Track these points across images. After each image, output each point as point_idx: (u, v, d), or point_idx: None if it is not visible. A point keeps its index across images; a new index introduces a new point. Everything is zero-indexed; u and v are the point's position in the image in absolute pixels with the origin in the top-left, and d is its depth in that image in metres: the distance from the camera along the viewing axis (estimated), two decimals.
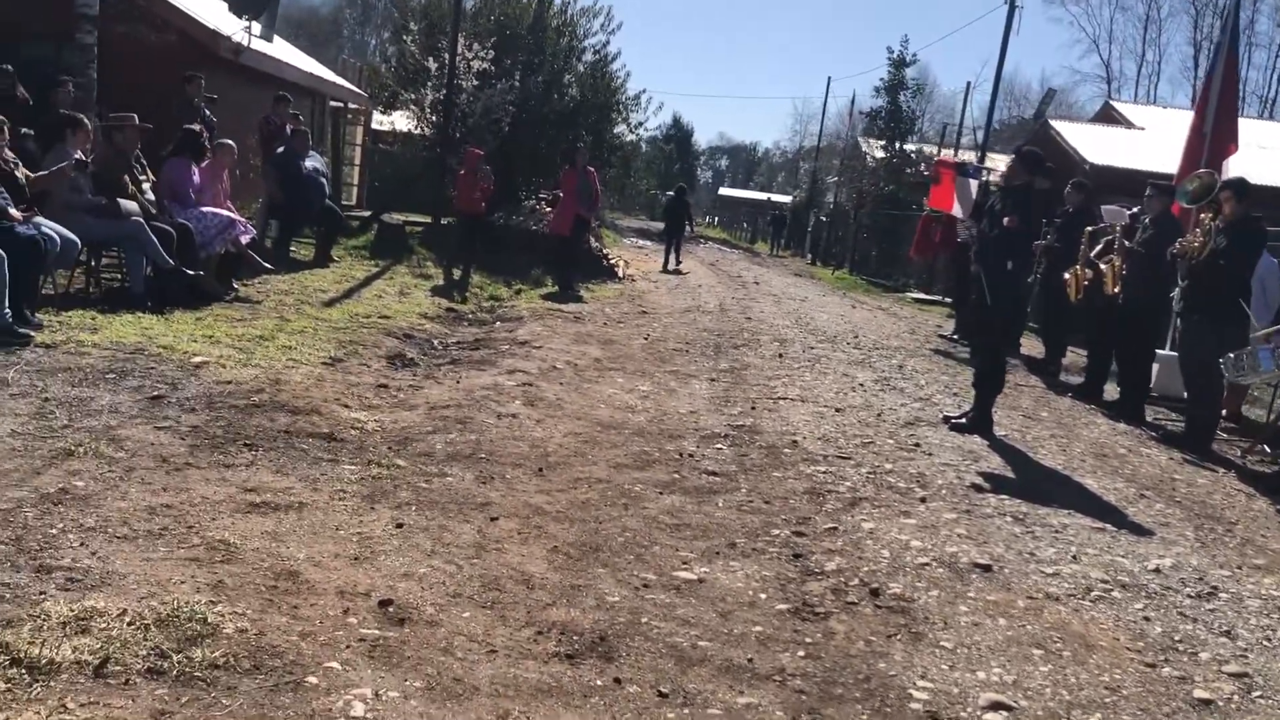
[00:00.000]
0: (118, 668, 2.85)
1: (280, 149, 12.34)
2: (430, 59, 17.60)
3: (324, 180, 12.76)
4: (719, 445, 6.36)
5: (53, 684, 2.73)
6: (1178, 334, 8.63)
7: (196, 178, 9.67)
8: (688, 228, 24.62)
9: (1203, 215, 8.09)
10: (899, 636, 3.74)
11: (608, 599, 3.82)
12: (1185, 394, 8.51)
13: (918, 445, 6.85)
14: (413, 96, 18.16)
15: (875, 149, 35.16)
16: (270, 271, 10.34)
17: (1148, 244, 8.96)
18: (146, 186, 9.08)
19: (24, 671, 2.76)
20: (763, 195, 67.07)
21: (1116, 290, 9.17)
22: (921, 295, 23.81)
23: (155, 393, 5.80)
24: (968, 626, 3.88)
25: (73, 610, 3.10)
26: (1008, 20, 21.17)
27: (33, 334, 6.59)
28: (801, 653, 3.54)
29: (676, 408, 7.34)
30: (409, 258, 14.37)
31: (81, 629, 3.01)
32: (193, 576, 3.51)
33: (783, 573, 4.30)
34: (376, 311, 10.00)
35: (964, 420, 7.51)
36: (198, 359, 6.69)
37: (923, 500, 5.54)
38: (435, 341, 9.34)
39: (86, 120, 8.42)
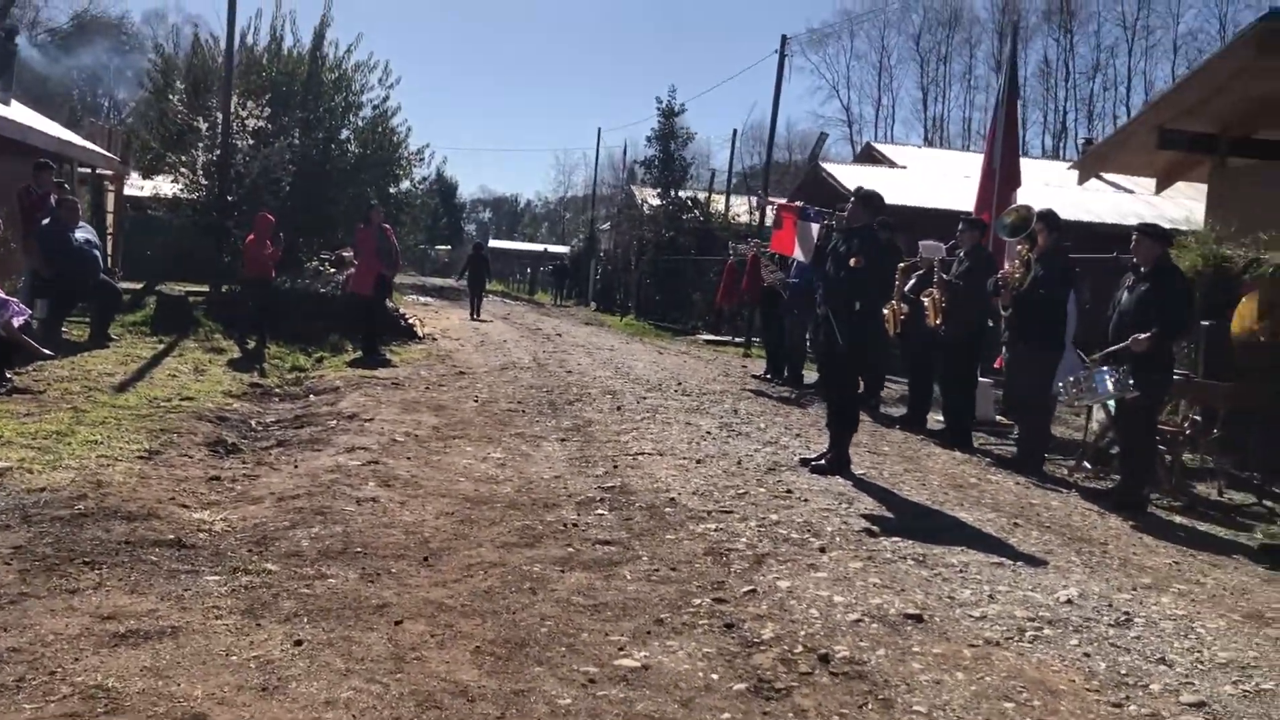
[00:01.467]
0: None
1: (45, 221, 11.17)
2: (200, 119, 16.53)
3: (97, 253, 11.65)
4: (599, 511, 6.04)
5: None
6: (1004, 362, 9.00)
7: None
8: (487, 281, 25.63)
9: (1020, 247, 8.48)
10: (870, 706, 3.55)
11: (559, 702, 3.45)
12: (1012, 420, 8.87)
13: (790, 492, 6.76)
14: (181, 159, 16.98)
15: (651, 196, 35.90)
16: (48, 357, 9.27)
17: (964, 276, 9.34)
18: None
19: None
20: (538, 246, 67.08)
21: (939, 322, 9.49)
22: (712, 337, 24.25)
23: None
24: (930, 685, 3.73)
25: None
26: (779, 69, 22.05)
27: None
28: None
29: (539, 473, 6.98)
30: (196, 331, 13.31)
31: None
32: None
33: (723, 647, 4.03)
34: (176, 394, 9.11)
35: (823, 462, 7.51)
36: None
37: (822, 550, 5.42)
38: (252, 422, 8.59)
39: None
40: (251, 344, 12.99)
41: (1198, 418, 8.56)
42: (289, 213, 16.44)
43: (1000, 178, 11.08)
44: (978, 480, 7.74)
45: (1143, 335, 6.93)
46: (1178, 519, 7.14)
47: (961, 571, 5.16)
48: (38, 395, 8.30)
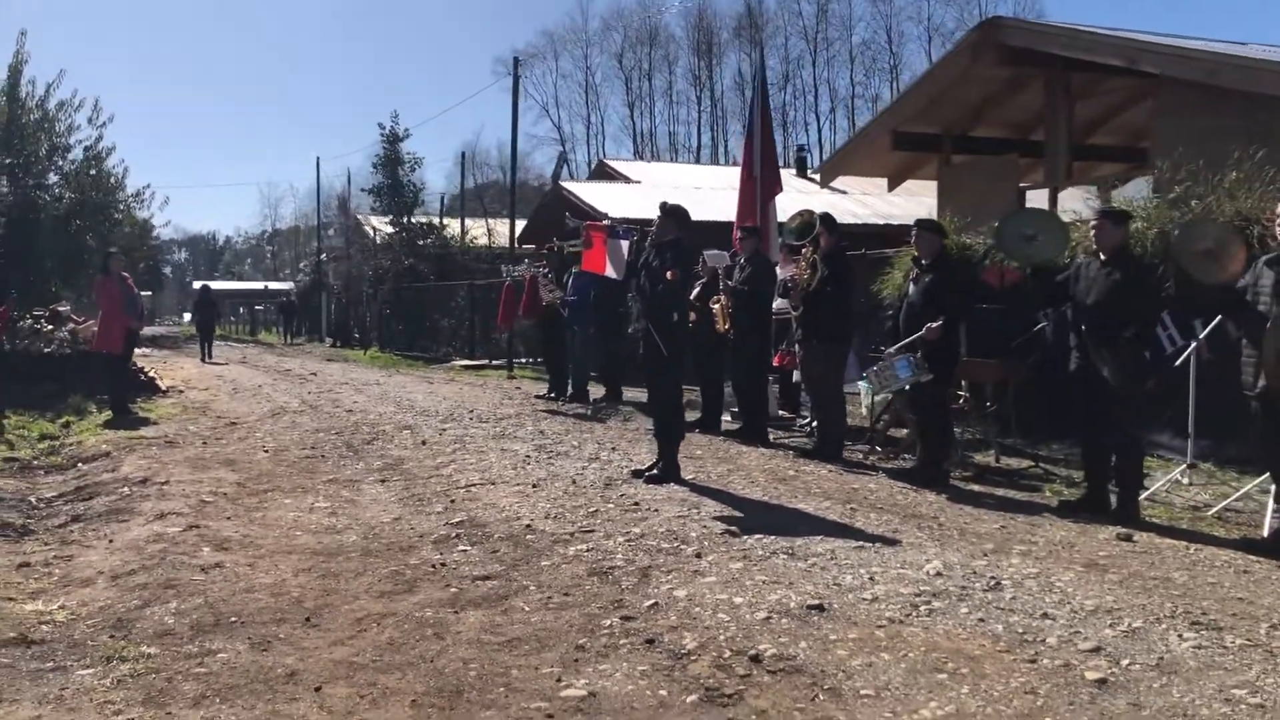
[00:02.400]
0: None
1: None
2: None
3: None
4: (461, 547, 5.91)
5: None
6: (793, 359, 9.48)
7: None
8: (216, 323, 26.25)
9: (804, 250, 8.98)
10: (820, 697, 3.69)
11: None
12: (796, 413, 9.39)
13: (637, 505, 6.86)
14: None
15: (382, 224, 35.12)
16: None
17: (748, 281, 9.78)
18: None
19: None
20: (255, 284, 63.83)
21: (727, 327, 9.89)
22: (468, 362, 24.04)
23: None
24: (864, 669, 3.92)
25: None
26: (514, 88, 22.18)
27: None
28: None
29: (375, 518, 6.72)
30: None
31: None
32: None
33: (655, 663, 4.06)
34: None
35: (655, 471, 7.66)
36: None
37: (698, 556, 5.55)
38: (31, 499, 7.76)
39: None
40: None
41: (966, 394, 9.39)
42: (4, 268, 14.95)
43: (762, 184, 11.66)
44: (795, 472, 8.14)
45: (934, 324, 7.52)
46: (974, 487, 7.78)
47: (832, 559, 5.43)
48: None
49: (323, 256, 44.49)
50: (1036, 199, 12.83)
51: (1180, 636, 4.22)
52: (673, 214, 7.66)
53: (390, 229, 33.59)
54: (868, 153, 13.84)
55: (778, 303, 10.06)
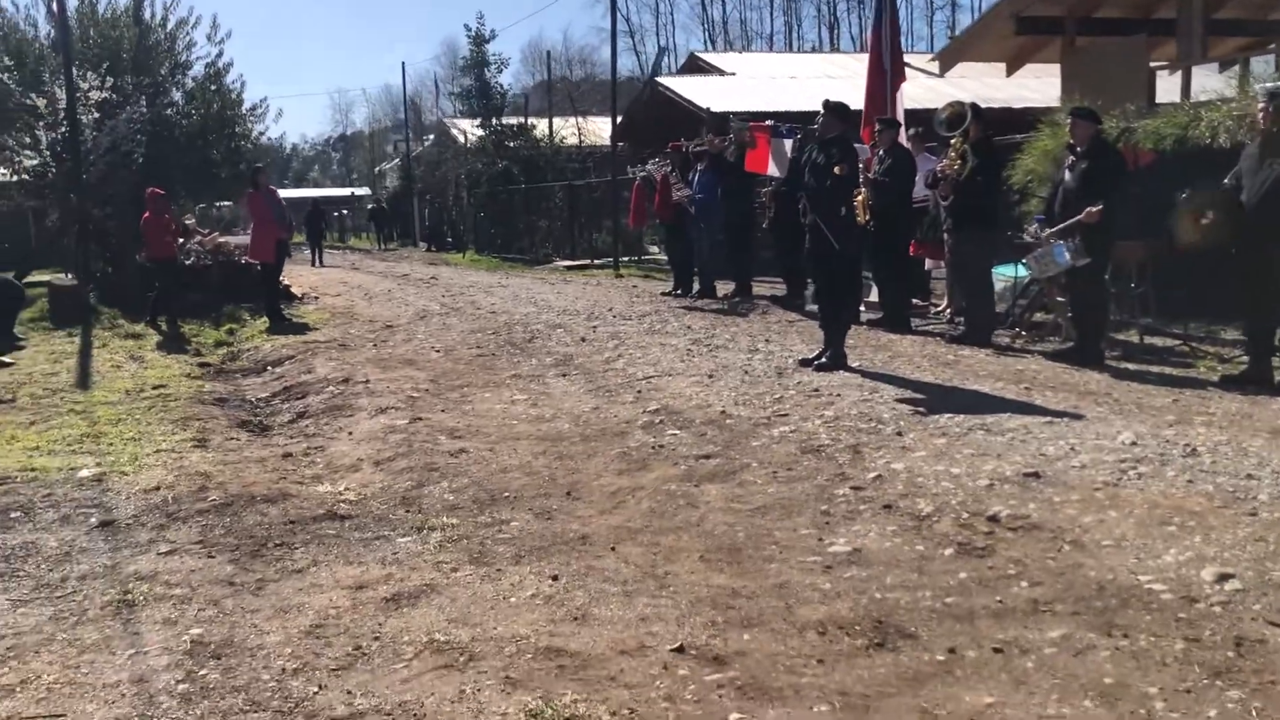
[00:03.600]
0: None
1: None
2: (34, 96, 15.44)
3: None
4: (671, 431, 6.44)
5: None
6: (947, 246, 9.76)
7: None
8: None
9: (953, 140, 9.20)
10: (1065, 549, 4.16)
11: (823, 587, 3.90)
12: (964, 299, 9.71)
13: (817, 390, 7.33)
14: (25, 140, 15.84)
15: (471, 128, 35.36)
16: (4, 365, 8.83)
17: (889, 173, 10.03)
18: None
19: None
20: (341, 191, 64.65)
21: (868, 219, 10.16)
22: (570, 262, 24.52)
23: (99, 519, 4.94)
24: (1096, 525, 4.37)
25: None
26: None
27: None
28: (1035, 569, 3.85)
29: (576, 408, 7.29)
30: (98, 320, 12.69)
31: None
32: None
33: (900, 525, 4.56)
34: (143, 383, 8.88)
35: (824, 360, 8.10)
36: (83, 472, 5.71)
37: (899, 434, 6.01)
38: (249, 399, 8.50)
39: None
40: (164, 325, 12.53)
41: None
42: (143, 185, 15.66)
43: (890, 74, 11.78)
44: (954, 357, 8.53)
45: (1094, 208, 7.76)
46: (1128, 365, 8.09)
47: (1029, 433, 5.86)
48: (12, 403, 7.97)
49: (412, 161, 44.81)
50: (1168, 83, 12.74)
51: None
52: (836, 110, 7.94)
53: (480, 131, 33.84)
54: (988, 37, 13.79)
55: (918, 192, 10.31)
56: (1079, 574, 3.89)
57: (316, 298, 17.10)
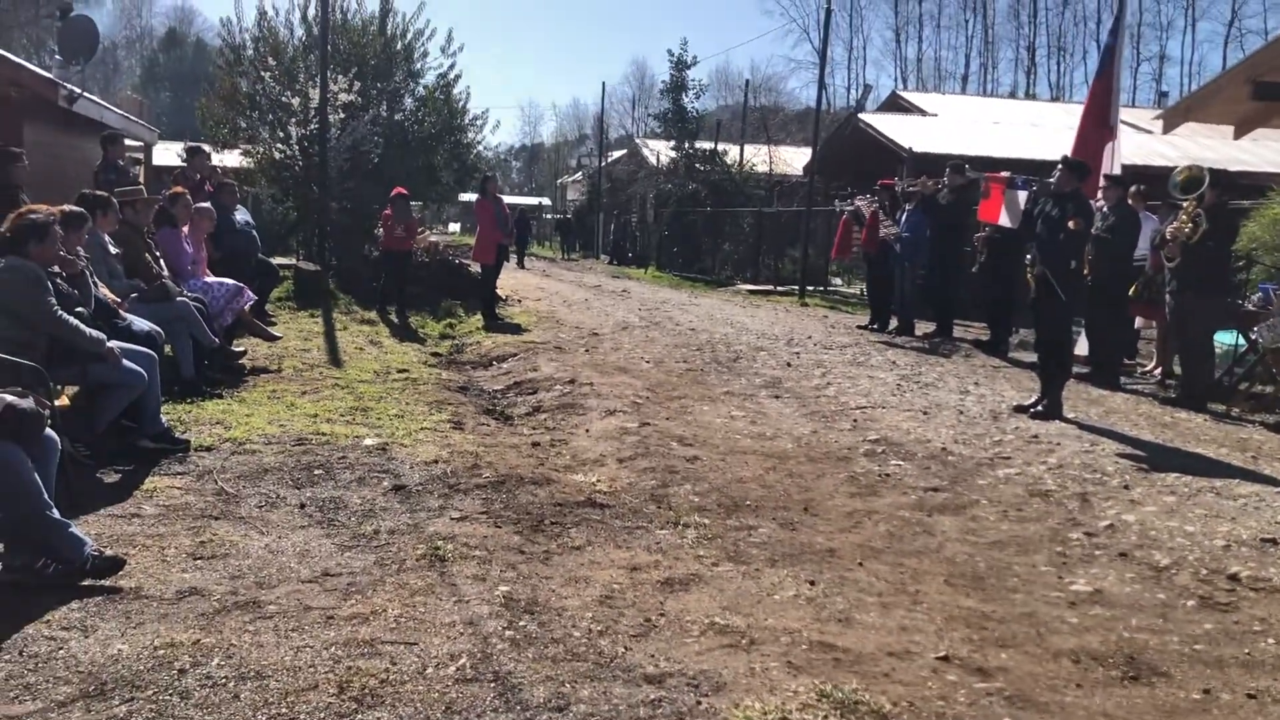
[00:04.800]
0: None
1: (206, 204, 11.56)
2: (288, 95, 16.83)
3: (255, 233, 12.06)
4: (895, 462, 6.74)
5: None
6: (1168, 308, 9.73)
7: (189, 247, 9.03)
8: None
9: (1186, 203, 9.18)
10: None
11: (1069, 620, 4.15)
12: (1180, 363, 9.65)
13: (1036, 437, 7.49)
14: (265, 134, 17.25)
15: (664, 149, 36.22)
16: (275, 339, 9.79)
17: (1112, 230, 10.04)
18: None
19: None
20: (529, 200, 66.86)
21: (1086, 273, 10.20)
22: (752, 287, 24.88)
23: (391, 484, 5.58)
24: None
25: None
26: (824, 22, 22.49)
27: (189, 439, 6.09)
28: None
29: (794, 429, 7.65)
30: (335, 304, 13.77)
31: None
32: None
33: (1138, 573, 4.76)
34: (387, 366, 9.68)
35: (1040, 408, 8.23)
36: (367, 441, 6.41)
37: (1126, 488, 6.16)
38: (486, 389, 9.19)
39: (112, 199, 7.72)
40: (393, 315, 13.51)
41: None
42: (378, 184, 16.83)
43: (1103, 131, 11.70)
44: (1171, 419, 8.51)
45: None
46: None
47: (1261, 500, 5.92)
48: (277, 374, 8.84)
49: (601, 178, 46.06)
50: None
51: None
52: (1074, 167, 8.10)
53: (672, 153, 34.65)
54: (1219, 100, 13.48)
55: (1139, 251, 10.28)
56: None
57: (520, 300, 17.95)
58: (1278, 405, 9.19)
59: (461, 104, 20.68)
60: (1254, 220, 11.24)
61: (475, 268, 15.62)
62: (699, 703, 3.25)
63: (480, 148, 22.40)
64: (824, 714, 3.21)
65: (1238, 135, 14.82)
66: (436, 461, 6.05)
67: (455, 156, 19.84)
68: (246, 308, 9.21)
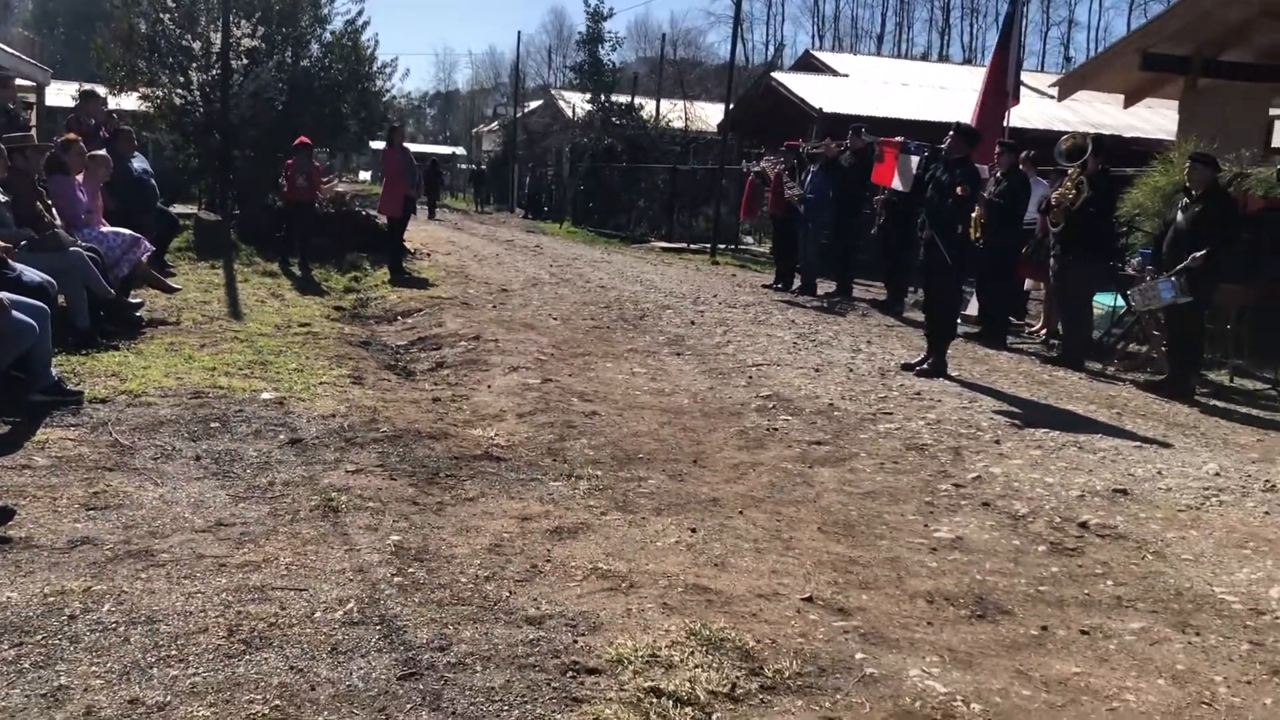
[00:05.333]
0: None
1: (101, 152, 11.31)
2: (189, 38, 16.43)
3: (153, 181, 11.83)
4: (784, 417, 7.01)
5: None
6: (1052, 270, 10.17)
7: (83, 195, 8.87)
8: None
9: (1071, 170, 9.59)
10: (1148, 557, 4.66)
11: (929, 564, 4.45)
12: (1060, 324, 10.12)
13: (919, 394, 7.85)
14: (165, 79, 16.82)
15: (578, 102, 36.05)
16: (174, 290, 9.69)
17: (1004, 194, 10.44)
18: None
19: None
20: (443, 149, 65.92)
21: (978, 236, 10.59)
22: (666, 244, 25.07)
23: (288, 437, 5.67)
24: (1178, 540, 4.87)
25: None
26: None
27: (82, 391, 6.08)
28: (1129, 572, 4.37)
29: (692, 386, 7.88)
30: (236, 255, 13.60)
31: None
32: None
33: (998, 521, 5.09)
34: (292, 320, 9.68)
35: (925, 366, 8.60)
36: (265, 395, 6.47)
37: (997, 442, 6.52)
38: (389, 345, 9.25)
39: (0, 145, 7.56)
40: (296, 268, 13.40)
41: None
42: (282, 132, 16.56)
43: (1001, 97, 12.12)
44: (1049, 377, 8.97)
45: (1199, 254, 8.13)
46: (1215, 403, 8.46)
47: (1119, 454, 6.33)
48: (175, 325, 8.78)
49: (517, 128, 45.63)
50: None
51: None
52: (966, 134, 8.42)
53: (588, 106, 34.51)
54: (1111, 70, 14.03)
55: (1028, 215, 10.71)
56: (1159, 580, 4.40)
57: (429, 254, 17.87)
58: (1149, 364, 9.72)
59: (370, 51, 20.40)
60: (1138, 187, 11.73)
61: (383, 220, 15.53)
62: (575, 641, 3.46)
63: (390, 96, 22.13)
64: (691, 650, 3.43)
65: (1128, 104, 15.43)
66: (334, 415, 6.14)
67: (363, 105, 19.58)
68: (144, 258, 9.11)
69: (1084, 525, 5.04)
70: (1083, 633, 3.86)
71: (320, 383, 7.05)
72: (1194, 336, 8.62)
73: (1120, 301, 10.35)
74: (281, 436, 5.68)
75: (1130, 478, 5.84)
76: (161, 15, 16.39)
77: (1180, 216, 8.55)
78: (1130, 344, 10.32)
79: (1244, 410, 8.22)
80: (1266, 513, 5.32)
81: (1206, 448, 6.67)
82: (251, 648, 3.25)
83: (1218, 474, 5.98)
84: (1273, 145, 12.91)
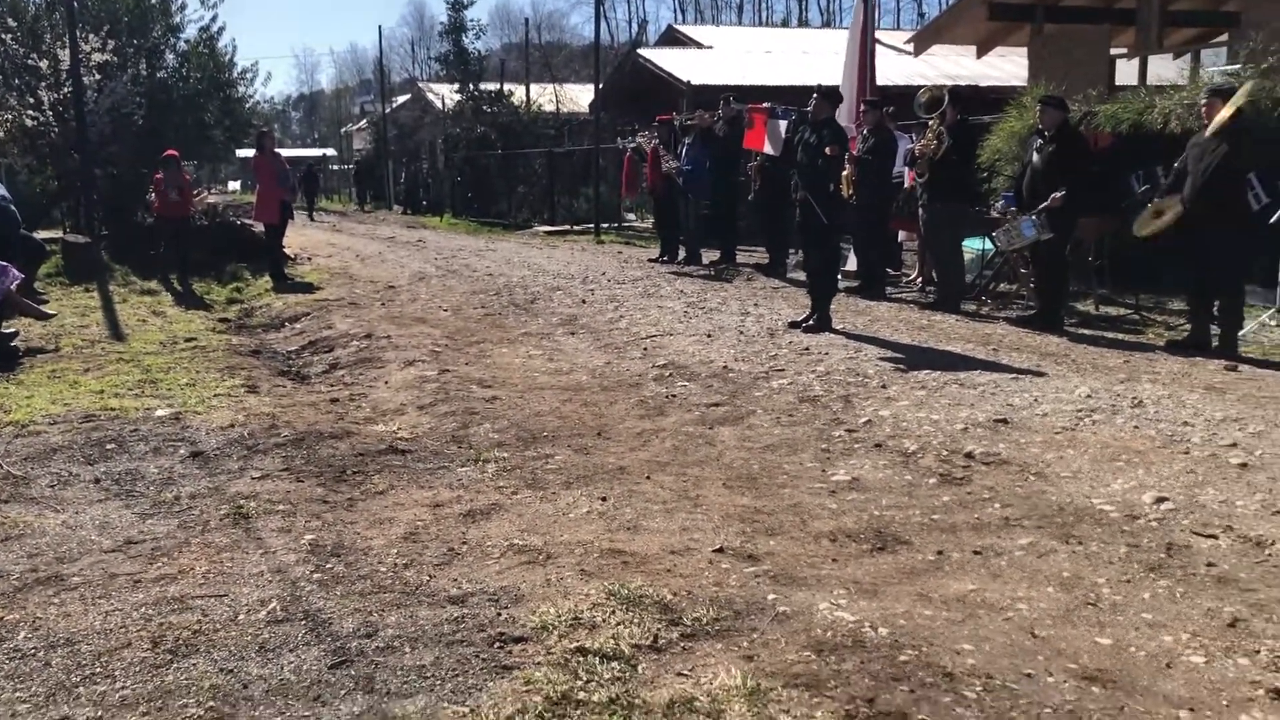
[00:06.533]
0: None
1: None
2: (35, 57, 15.80)
3: (14, 208, 11.41)
4: (681, 383, 7.20)
5: None
6: (921, 220, 10.55)
7: None
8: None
9: (930, 121, 9.96)
10: (1031, 479, 4.97)
11: (829, 506, 4.67)
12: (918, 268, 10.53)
13: (807, 349, 8.11)
14: (13, 101, 16.15)
15: (446, 93, 35.71)
16: (48, 317, 9.41)
17: (873, 151, 10.79)
18: None
19: None
20: (314, 152, 64.46)
21: (850, 193, 10.93)
22: (550, 228, 25.08)
23: (188, 451, 5.62)
24: (1057, 460, 5.19)
25: None
26: None
27: None
28: (1013, 490, 4.66)
29: (589, 362, 8.01)
30: (111, 276, 13.20)
31: None
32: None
33: (890, 460, 5.36)
34: (177, 336, 9.49)
35: (811, 322, 8.88)
36: (159, 412, 6.38)
37: (884, 387, 6.82)
38: (279, 351, 9.14)
39: None
40: (175, 283, 13.08)
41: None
42: (144, 147, 16.08)
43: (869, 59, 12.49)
44: (927, 322, 9.34)
45: (1059, 194, 8.56)
46: (1084, 331, 8.94)
47: (997, 387, 6.67)
48: (55, 353, 8.55)
49: (386, 125, 44.91)
50: (1127, 69, 13.59)
51: None
52: (828, 95, 8.68)
53: (457, 96, 34.20)
54: (961, 22, 14.56)
55: (896, 169, 11.09)
56: (1042, 498, 4.70)
57: (310, 258, 17.60)
58: (1018, 301, 10.20)
59: (228, 57, 19.95)
60: (995, 134, 12.23)
61: (259, 228, 15.23)
62: (499, 614, 3.57)
63: (253, 101, 21.66)
64: (612, 610, 3.57)
65: (980, 54, 16.02)
66: (233, 425, 6.10)
67: (226, 112, 19.14)
68: (13, 287, 8.81)
69: (970, 455, 5.33)
70: (975, 553, 4.11)
71: (215, 395, 6.98)
72: (1058, 270, 9.07)
73: (988, 244, 10.81)
74: (182, 451, 5.63)
75: (1009, 407, 6.17)
76: (3, 36, 15.71)
77: (1035, 157, 8.97)
78: (1001, 284, 10.81)
79: (1110, 335, 8.71)
80: (1136, 427, 5.69)
81: (1077, 373, 7.07)
82: (178, 656, 3.28)
83: (1089, 396, 6.36)
84: (1116, 83, 13.55)
